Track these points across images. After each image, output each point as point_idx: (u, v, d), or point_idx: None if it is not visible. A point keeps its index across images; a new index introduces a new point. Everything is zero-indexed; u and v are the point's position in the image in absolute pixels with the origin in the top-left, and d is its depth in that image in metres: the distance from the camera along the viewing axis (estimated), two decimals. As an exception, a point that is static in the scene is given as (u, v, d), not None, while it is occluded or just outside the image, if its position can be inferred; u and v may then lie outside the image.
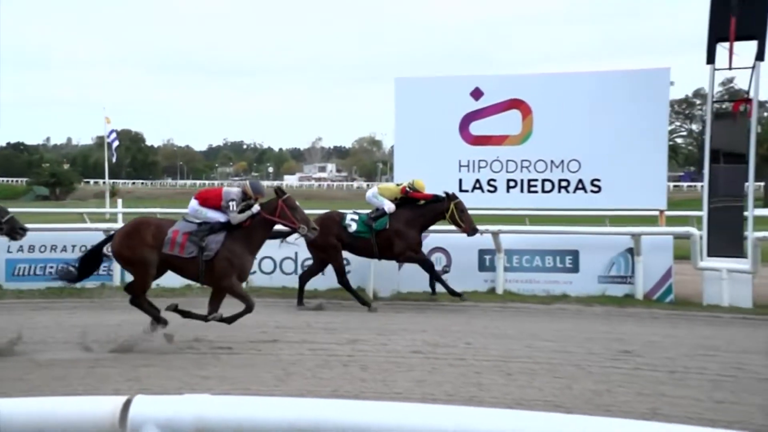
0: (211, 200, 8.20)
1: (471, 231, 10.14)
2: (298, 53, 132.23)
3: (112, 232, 8.58)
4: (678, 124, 66.36)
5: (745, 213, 11.00)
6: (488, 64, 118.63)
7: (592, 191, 11.50)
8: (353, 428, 2.47)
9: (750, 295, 10.09)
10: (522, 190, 11.66)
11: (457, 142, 11.84)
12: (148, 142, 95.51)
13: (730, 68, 10.98)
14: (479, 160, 11.80)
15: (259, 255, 12.42)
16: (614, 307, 10.05)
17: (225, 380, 6.55)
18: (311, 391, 6.12)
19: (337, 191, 62.98)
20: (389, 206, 10.22)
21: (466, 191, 11.69)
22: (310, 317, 9.61)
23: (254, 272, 12.53)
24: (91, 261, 8.37)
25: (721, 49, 10.72)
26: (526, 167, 11.72)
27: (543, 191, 11.59)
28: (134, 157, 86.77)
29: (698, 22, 11.16)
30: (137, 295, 8.02)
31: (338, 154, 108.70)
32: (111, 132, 30.56)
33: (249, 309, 7.85)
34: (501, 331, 8.44)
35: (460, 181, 11.76)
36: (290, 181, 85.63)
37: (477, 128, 11.89)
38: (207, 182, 79.57)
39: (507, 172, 11.73)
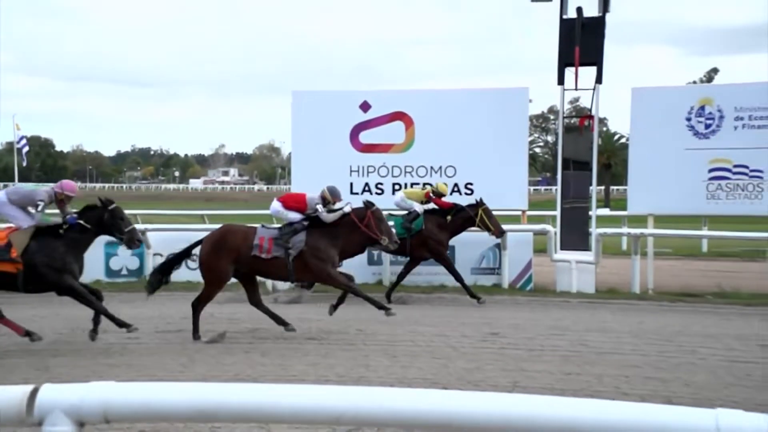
0: (294, 204, 8.21)
1: (500, 233, 10.19)
2: (202, 67, 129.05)
3: (201, 238, 8.12)
4: (536, 135, 68.90)
5: (590, 213, 11.66)
6: (376, 79, 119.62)
7: (466, 193, 11.65)
8: (252, 410, 2.47)
9: (593, 282, 10.67)
10: (407, 193, 11.87)
11: (348, 150, 11.82)
12: (58, 148, 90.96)
13: (576, 89, 11.60)
14: (368, 166, 11.82)
15: (166, 250, 12.04)
16: (484, 295, 10.27)
17: (132, 368, 6.34)
18: (214, 375, 6.01)
19: (239, 193, 61.78)
20: (420, 207, 10.05)
21: (357, 194, 11.68)
22: (214, 308, 9.38)
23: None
24: (175, 263, 8.06)
25: (569, 72, 11.34)
26: (409, 172, 11.83)
27: (424, 194, 11.82)
28: (44, 162, 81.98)
29: (551, 49, 11.74)
30: (201, 302, 7.73)
31: (240, 159, 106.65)
32: (21, 138, 28.78)
33: (354, 292, 7.85)
34: (387, 318, 8.50)
35: (351, 184, 11.70)
36: (195, 184, 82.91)
37: (366, 137, 11.90)
38: (116, 185, 76.31)
39: (392, 176, 11.81)
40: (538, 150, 67.01)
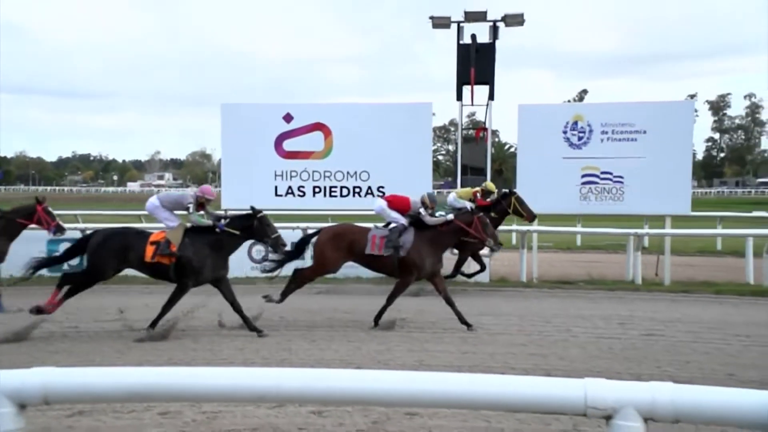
0: (399, 205, 8.09)
1: (531, 218, 10.18)
2: (137, 81, 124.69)
3: (318, 229, 8.08)
4: (439, 145, 70.38)
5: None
6: (298, 94, 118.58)
7: (378, 196, 11.54)
8: (183, 390, 2.43)
9: (487, 272, 10.98)
10: (325, 195, 11.74)
11: (273, 157, 11.66)
12: (2, 154, 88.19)
13: (472, 104, 11.91)
14: (291, 171, 11.69)
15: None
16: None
17: (72, 354, 6.10)
18: (149, 360, 5.83)
19: (172, 195, 59.85)
20: (470, 206, 9.60)
21: (281, 196, 11.62)
22: (149, 299, 9.09)
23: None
24: (297, 249, 8.01)
25: (466, 90, 11.64)
26: (328, 177, 11.78)
27: (341, 196, 11.73)
28: None
29: (450, 70, 12.02)
30: (303, 280, 7.83)
31: (174, 165, 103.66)
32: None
33: (448, 300, 7.57)
34: (307, 307, 8.46)
35: (276, 187, 11.59)
36: (133, 187, 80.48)
37: (289, 145, 11.78)
38: (57, 188, 72.75)
39: (313, 180, 11.73)
40: (440, 157, 68.40)
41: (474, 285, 10.43)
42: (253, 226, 7.29)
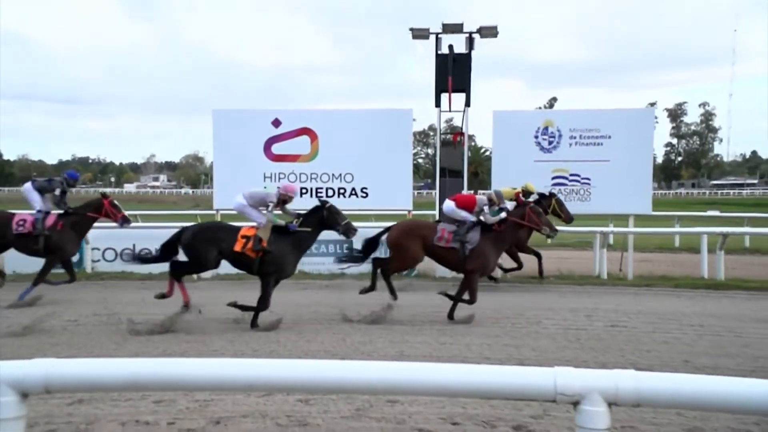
0: (465, 204, 8.03)
1: (569, 220, 10.16)
2: (134, 87, 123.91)
3: (389, 225, 8.17)
4: (419, 148, 70.45)
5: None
6: (286, 100, 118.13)
7: (362, 196, 11.74)
8: (176, 380, 2.41)
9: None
10: (312, 196, 11.64)
11: (262, 159, 11.62)
12: (6, 157, 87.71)
13: (449, 111, 11.91)
14: (279, 173, 11.63)
15: (102, 245, 11.49)
16: (378, 281, 10.42)
17: (72, 346, 6.04)
18: (144, 352, 5.79)
19: (168, 196, 59.40)
20: (512, 205, 9.49)
21: (270, 197, 11.60)
22: (145, 294, 9.02)
23: (98, 260, 11.56)
24: (370, 247, 8.14)
25: (444, 97, 11.67)
26: (315, 178, 11.75)
27: (327, 196, 11.68)
28: None
29: (429, 78, 12.01)
30: (390, 272, 8.01)
31: (169, 167, 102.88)
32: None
33: (471, 300, 7.53)
34: (294, 301, 8.43)
35: (265, 189, 11.57)
36: (129, 188, 79.59)
37: (277, 149, 11.75)
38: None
39: (300, 182, 11.64)
40: (420, 160, 68.46)
41: (451, 280, 10.45)
42: (324, 216, 7.32)
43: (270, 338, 6.48)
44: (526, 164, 11.29)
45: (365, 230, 11.31)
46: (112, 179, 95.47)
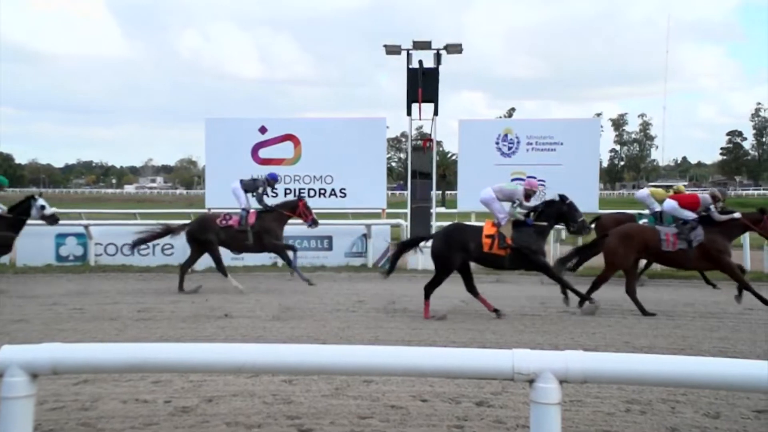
0: (689, 204, 7.42)
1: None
2: (133, 99, 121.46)
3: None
4: (392, 153, 70.26)
5: (431, 210, 12.10)
6: (272, 109, 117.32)
7: (341, 196, 11.78)
8: (173, 363, 2.40)
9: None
10: (295, 196, 11.64)
11: (250, 163, 11.57)
12: (17, 161, 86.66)
13: (420, 119, 11.94)
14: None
15: (105, 241, 11.30)
16: (354, 273, 10.35)
17: (77, 332, 5.98)
18: (143, 337, 5.74)
19: (164, 197, 58.45)
20: (659, 207, 9.05)
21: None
22: (142, 284, 8.93)
23: (100, 255, 11.37)
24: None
25: (415, 107, 11.70)
26: (298, 180, 11.75)
27: (309, 197, 11.62)
28: (5, 172, 74.48)
29: (401, 90, 12.05)
30: (600, 282, 7.33)
31: (165, 170, 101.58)
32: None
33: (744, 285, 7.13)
34: (279, 291, 8.41)
35: (252, 189, 11.49)
36: (129, 189, 78.85)
37: (264, 153, 11.75)
38: (64, 190, 71.41)
39: (284, 183, 11.64)
40: (393, 164, 68.33)
41: (421, 272, 10.43)
42: (563, 211, 7.05)
43: (258, 325, 6.43)
44: (488, 168, 11.39)
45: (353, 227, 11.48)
46: (113, 181, 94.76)
